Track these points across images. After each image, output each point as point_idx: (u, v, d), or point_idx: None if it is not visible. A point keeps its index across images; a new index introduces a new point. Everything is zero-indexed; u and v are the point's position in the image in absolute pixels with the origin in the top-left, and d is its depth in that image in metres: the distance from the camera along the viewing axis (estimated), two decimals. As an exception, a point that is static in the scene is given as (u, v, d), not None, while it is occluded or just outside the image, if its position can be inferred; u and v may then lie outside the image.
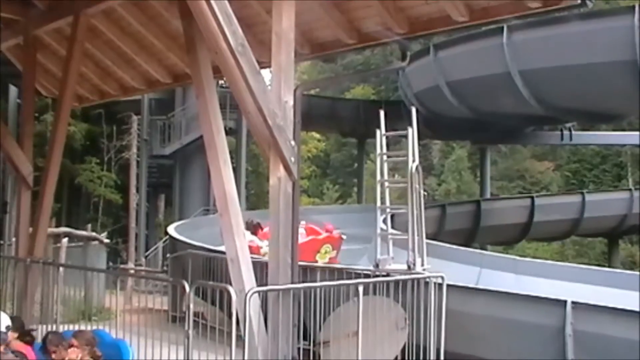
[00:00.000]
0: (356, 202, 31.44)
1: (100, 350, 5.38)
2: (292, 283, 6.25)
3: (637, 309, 8.00)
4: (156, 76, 9.75)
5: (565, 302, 7.66)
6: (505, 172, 40.02)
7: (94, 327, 7.20)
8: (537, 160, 40.78)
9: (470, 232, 23.37)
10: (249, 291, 5.81)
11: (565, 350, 7.48)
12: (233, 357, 5.69)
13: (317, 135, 38.31)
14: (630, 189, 27.44)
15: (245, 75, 5.86)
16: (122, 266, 18.91)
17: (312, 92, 30.43)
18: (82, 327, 6.53)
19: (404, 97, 22.89)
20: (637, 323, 7.46)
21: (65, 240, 12.53)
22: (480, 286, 8.85)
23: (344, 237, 11.56)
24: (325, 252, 11.34)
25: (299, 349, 6.83)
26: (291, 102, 6.24)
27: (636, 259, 32.62)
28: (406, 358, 7.79)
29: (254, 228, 11.47)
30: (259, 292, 5.97)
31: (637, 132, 26.38)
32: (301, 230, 11.93)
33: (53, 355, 5.35)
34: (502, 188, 37.66)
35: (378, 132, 8.86)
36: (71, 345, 5.20)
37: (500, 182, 38.30)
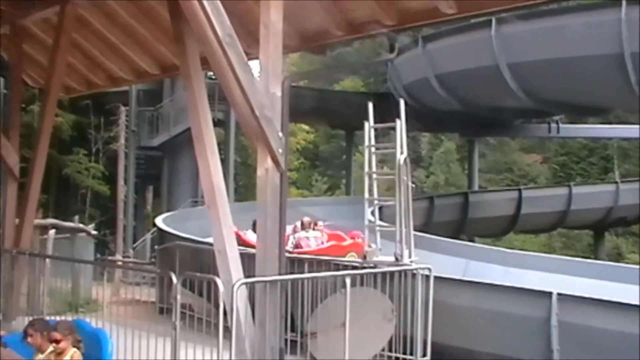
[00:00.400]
0: (345, 194, 31.47)
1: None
2: (280, 274, 6.25)
3: (622, 301, 8.10)
4: (144, 67, 9.70)
5: (550, 293, 7.73)
6: (493, 165, 40.14)
7: (75, 317, 7.20)
8: (525, 153, 40.92)
9: (458, 224, 23.46)
10: (236, 282, 5.82)
11: (551, 341, 7.55)
12: (220, 349, 5.70)
13: (306, 127, 38.26)
14: (616, 182, 27.64)
15: (233, 66, 5.85)
16: (109, 258, 18.86)
17: (301, 83, 30.39)
18: (69, 319, 6.48)
19: (393, 90, 22.89)
20: (622, 314, 7.54)
21: (52, 231, 12.47)
22: (468, 278, 8.89)
23: (374, 246, 11.04)
24: None
25: (286, 340, 6.84)
26: (279, 94, 6.23)
27: (622, 251, 32.88)
28: (393, 349, 7.84)
29: None
30: (246, 283, 5.97)
31: (624, 126, 26.55)
32: (317, 234, 11.46)
33: (29, 339, 5.25)
34: (490, 180, 37.78)
35: (366, 124, 8.89)
36: (55, 340, 5.15)
37: (488, 174, 38.40)
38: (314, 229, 11.62)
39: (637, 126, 23.48)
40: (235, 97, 6.13)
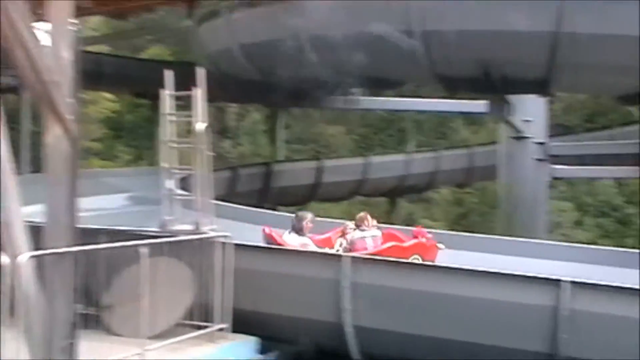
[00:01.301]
0: (150, 164, 30.79)
1: None
2: (71, 246, 6.08)
3: (410, 261, 8.76)
4: None
5: (341, 256, 8.18)
6: (299, 136, 41.06)
7: None
8: (329, 125, 42.27)
9: (262, 193, 23.94)
10: (22, 256, 5.58)
11: (342, 300, 7.99)
12: (8, 325, 5.47)
13: (110, 96, 36.74)
14: (409, 152, 29.61)
15: (17, 27, 5.54)
16: None
17: (104, 50, 29.12)
18: None
19: (197, 58, 22.57)
20: (411, 273, 8.18)
21: None
22: (266, 244, 9.13)
23: (442, 246, 9.79)
24: None
25: (81, 313, 6.67)
26: (69, 57, 6.00)
27: (415, 217, 35.17)
28: (193, 318, 7.92)
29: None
30: (34, 256, 5.74)
31: (418, 99, 28.24)
32: (376, 233, 9.69)
33: None
34: (297, 151, 38.64)
35: (163, 92, 8.79)
36: None
37: (294, 145, 39.25)
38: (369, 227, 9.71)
39: (430, 100, 25.11)
40: (20, 60, 5.82)
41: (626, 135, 24.72)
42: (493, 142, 25.11)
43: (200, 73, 8.69)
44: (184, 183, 9.77)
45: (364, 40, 14.84)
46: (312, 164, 26.72)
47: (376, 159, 27.86)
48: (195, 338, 7.70)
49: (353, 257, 8.23)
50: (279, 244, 9.09)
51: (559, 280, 7.42)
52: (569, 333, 7.33)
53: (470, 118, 33.89)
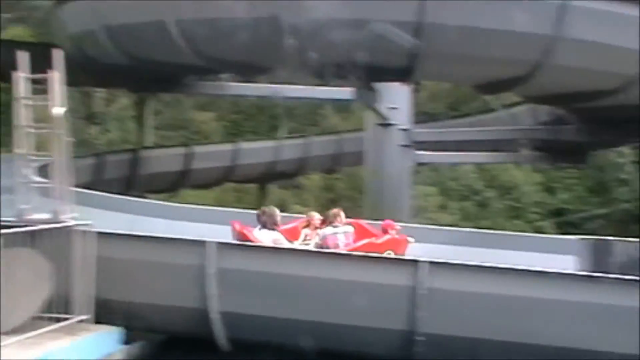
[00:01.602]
0: (9, 151, 29.24)
1: None
2: None
3: (276, 245, 8.86)
4: None
5: (204, 242, 8.15)
6: (170, 122, 40.26)
7: None
8: (199, 111, 41.71)
9: (129, 181, 23.39)
10: None
11: (207, 286, 7.99)
12: None
13: (-37, 78, 34.48)
14: (279, 138, 29.81)
15: None
16: None
17: (-46, 29, 27.30)
18: None
19: (59, 40, 21.56)
20: (274, 257, 8.28)
21: None
22: (130, 232, 8.93)
23: (412, 240, 9.79)
24: None
25: None
26: None
27: (287, 203, 35.47)
28: (52, 310, 7.66)
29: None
30: None
31: (290, 86, 28.43)
32: (348, 229, 9.50)
33: None
34: (167, 137, 37.83)
35: (15, 74, 8.37)
36: None
37: (164, 131, 38.46)
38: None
39: (299, 86, 25.30)
40: None
41: (485, 122, 26.04)
42: (361, 129, 25.66)
43: (57, 55, 8.33)
44: (44, 170, 9.39)
45: (231, 26, 14.73)
46: (181, 150, 26.42)
47: (246, 145, 27.97)
48: (54, 331, 7.44)
49: (218, 243, 8.22)
50: (251, 241, 8.90)
51: (416, 261, 7.76)
52: (427, 311, 7.69)
53: (340, 105, 34.47)
